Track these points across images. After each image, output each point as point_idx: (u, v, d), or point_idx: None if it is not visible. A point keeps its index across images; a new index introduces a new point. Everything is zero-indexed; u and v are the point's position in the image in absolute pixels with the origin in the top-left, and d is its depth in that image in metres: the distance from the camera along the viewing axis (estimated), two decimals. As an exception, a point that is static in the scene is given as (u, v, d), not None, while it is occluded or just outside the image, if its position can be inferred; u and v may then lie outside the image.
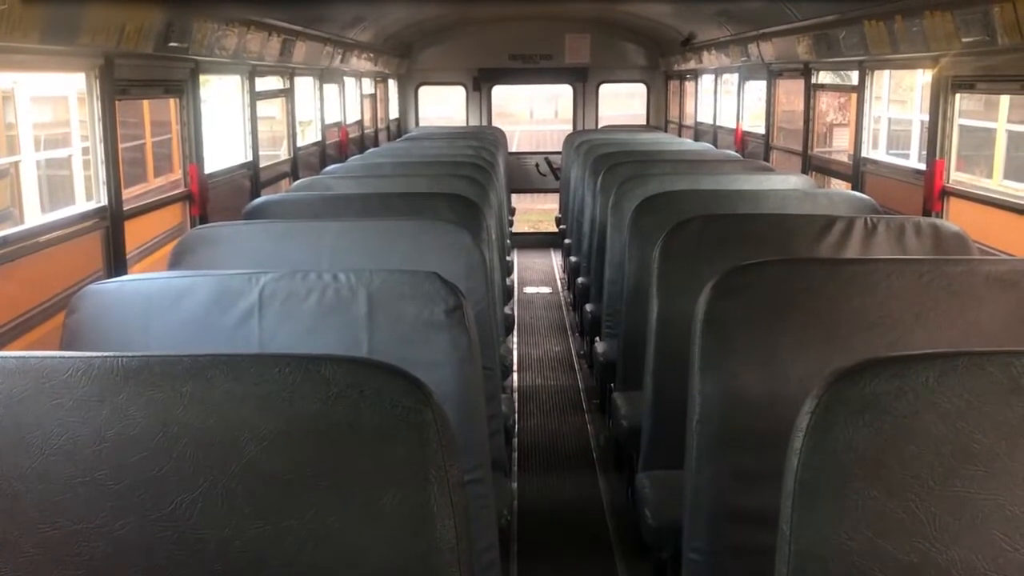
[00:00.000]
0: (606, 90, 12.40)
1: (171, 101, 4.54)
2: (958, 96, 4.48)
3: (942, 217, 4.50)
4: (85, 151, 6.80)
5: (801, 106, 6.79)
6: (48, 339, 3.12)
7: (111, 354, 1.71)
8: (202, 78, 4.70)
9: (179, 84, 4.38)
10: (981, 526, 1.57)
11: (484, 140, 8.66)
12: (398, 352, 2.34)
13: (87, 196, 6.68)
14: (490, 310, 3.47)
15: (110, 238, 3.48)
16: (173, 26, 3.79)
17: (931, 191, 4.53)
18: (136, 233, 4.11)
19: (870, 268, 2.61)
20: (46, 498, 1.64)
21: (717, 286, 2.56)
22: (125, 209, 3.63)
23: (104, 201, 3.50)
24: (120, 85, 3.59)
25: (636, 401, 3.63)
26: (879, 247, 3.35)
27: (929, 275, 2.58)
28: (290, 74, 6.63)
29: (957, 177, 4.79)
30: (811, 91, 6.60)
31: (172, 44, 3.85)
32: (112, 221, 3.51)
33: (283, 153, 6.73)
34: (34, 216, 6.54)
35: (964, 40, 3.87)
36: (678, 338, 2.81)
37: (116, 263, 3.51)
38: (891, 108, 10.44)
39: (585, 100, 12.18)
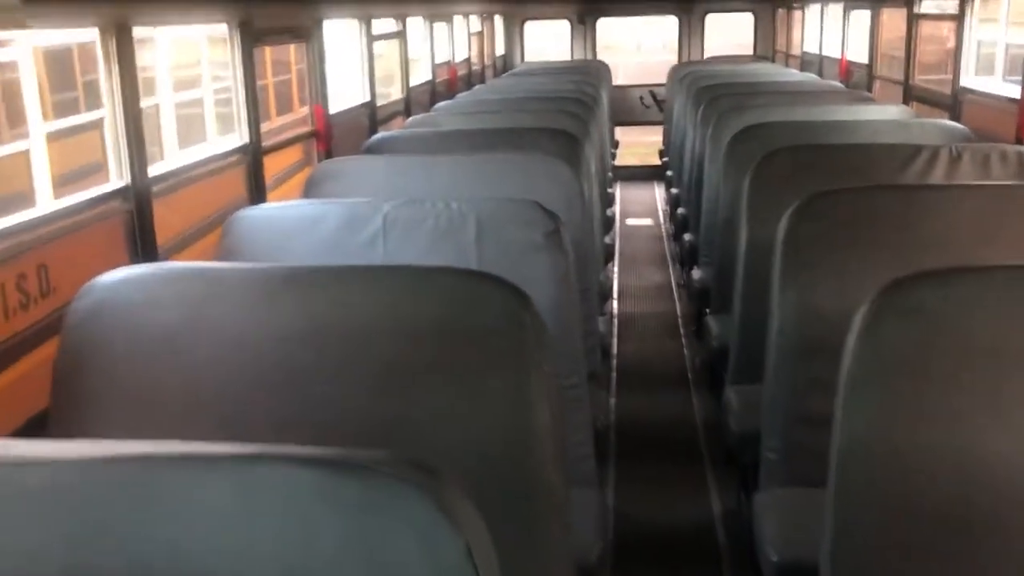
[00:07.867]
0: (714, 20, 12.25)
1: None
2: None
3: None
4: (216, 91, 7.28)
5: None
6: (205, 254, 3.56)
7: (268, 264, 2.07)
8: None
9: (306, 31, 4.77)
10: (1012, 419, 1.78)
11: (587, 74, 8.76)
12: (503, 271, 2.64)
13: (219, 133, 7.15)
14: (588, 238, 3.74)
15: (251, 170, 3.94)
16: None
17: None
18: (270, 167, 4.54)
19: (941, 194, 2.78)
20: (219, 381, 1.98)
21: (798, 211, 2.78)
22: (263, 145, 4.07)
23: (246, 139, 3.94)
24: (257, 34, 3.99)
25: (726, 323, 3.86)
26: (963, 175, 3.46)
27: (1000, 200, 2.73)
28: (403, 16, 6.94)
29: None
30: (913, 19, 6.53)
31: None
32: (253, 156, 3.96)
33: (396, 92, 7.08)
34: (171, 152, 7.05)
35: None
36: (764, 262, 3.00)
37: (257, 192, 3.97)
38: (1010, 32, 10.00)
39: (691, 31, 12.06)
